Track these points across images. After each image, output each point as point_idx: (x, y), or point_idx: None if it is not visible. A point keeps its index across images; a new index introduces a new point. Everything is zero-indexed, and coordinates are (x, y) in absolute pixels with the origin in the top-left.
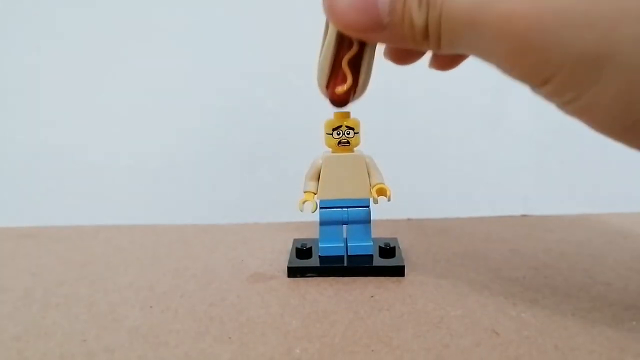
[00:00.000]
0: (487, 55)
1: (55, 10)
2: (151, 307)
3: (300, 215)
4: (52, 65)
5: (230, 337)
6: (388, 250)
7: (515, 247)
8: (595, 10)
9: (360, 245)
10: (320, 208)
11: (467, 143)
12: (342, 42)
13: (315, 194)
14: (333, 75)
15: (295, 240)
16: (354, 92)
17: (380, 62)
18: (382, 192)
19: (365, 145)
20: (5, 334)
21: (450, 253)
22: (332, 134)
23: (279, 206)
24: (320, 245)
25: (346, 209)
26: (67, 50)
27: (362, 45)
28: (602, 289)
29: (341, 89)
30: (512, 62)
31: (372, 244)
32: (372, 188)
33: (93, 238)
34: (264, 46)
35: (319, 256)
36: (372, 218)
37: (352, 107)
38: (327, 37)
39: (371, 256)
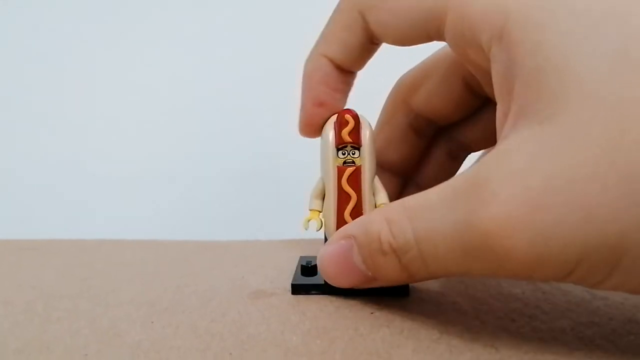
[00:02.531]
0: (494, 275)
1: (55, 21)
2: (152, 322)
3: (301, 233)
4: (54, 78)
5: (231, 354)
6: None
7: None
8: (579, 219)
9: None
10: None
11: (467, 161)
12: (341, 197)
13: (320, 212)
14: (339, 228)
15: (301, 258)
16: None
17: (379, 72)
18: None
19: None
20: (7, 347)
21: None
22: (337, 154)
23: (280, 223)
24: None
25: None
26: (72, 65)
27: (359, 194)
28: (601, 304)
29: None
30: (523, 275)
31: None
32: (377, 208)
33: (94, 252)
34: (269, 58)
35: None
36: None
37: None
38: (326, 195)
39: None
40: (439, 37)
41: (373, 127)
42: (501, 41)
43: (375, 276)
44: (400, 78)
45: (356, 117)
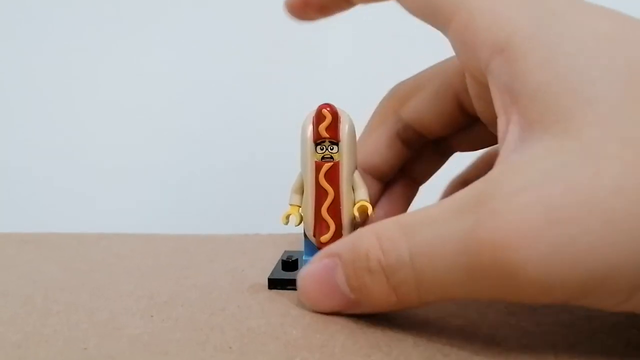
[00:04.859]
0: (499, 297)
1: (51, 13)
2: (152, 316)
3: (301, 227)
4: (53, 71)
5: (230, 347)
6: None
7: None
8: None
9: None
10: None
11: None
12: (318, 193)
13: (300, 206)
14: (317, 224)
15: (284, 252)
16: (341, 234)
17: (382, 69)
18: (363, 209)
19: None
20: (6, 341)
21: None
22: (315, 149)
23: (279, 217)
24: (304, 258)
25: None
26: (68, 56)
27: (337, 190)
28: None
29: (326, 237)
30: (531, 294)
31: None
32: (355, 205)
33: (94, 245)
34: (268, 51)
35: None
36: None
37: None
38: (304, 190)
39: None
40: (444, 31)
41: (356, 122)
42: (502, 54)
43: (358, 299)
44: (394, 87)
45: (334, 112)
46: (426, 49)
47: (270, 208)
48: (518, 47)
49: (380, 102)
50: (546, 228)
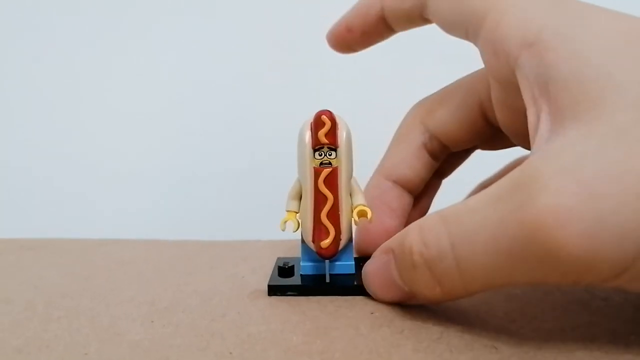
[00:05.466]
0: (539, 280)
1: (53, 18)
2: (152, 321)
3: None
4: (54, 74)
5: (231, 353)
6: None
7: None
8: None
9: (341, 264)
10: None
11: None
12: (318, 198)
13: (297, 212)
14: (316, 230)
15: (278, 259)
16: (340, 239)
17: (381, 72)
18: (363, 214)
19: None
20: (7, 346)
21: None
22: (313, 155)
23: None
24: (301, 263)
25: None
26: (70, 59)
27: (336, 195)
28: (601, 304)
29: (325, 242)
30: (573, 274)
31: (353, 262)
32: (354, 209)
33: (95, 251)
34: (270, 55)
35: (301, 275)
36: None
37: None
38: (303, 196)
39: (353, 275)
40: (475, 38)
41: (355, 124)
42: (532, 48)
43: (412, 291)
44: (421, 99)
45: (332, 119)
46: (426, 53)
47: (270, 214)
48: (548, 40)
49: (407, 113)
50: (584, 206)
